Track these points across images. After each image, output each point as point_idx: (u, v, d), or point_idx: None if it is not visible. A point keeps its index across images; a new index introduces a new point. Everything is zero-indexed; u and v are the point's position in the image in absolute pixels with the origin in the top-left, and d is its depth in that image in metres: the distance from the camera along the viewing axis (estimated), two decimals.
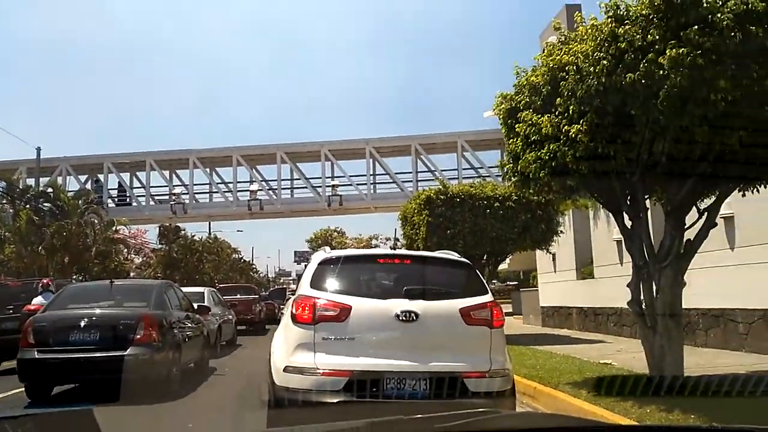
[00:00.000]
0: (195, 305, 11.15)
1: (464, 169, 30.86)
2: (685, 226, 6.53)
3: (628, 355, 9.96)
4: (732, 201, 9.99)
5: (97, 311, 8.53)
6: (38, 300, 10.93)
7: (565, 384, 7.36)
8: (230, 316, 16.75)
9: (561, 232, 15.38)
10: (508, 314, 25.54)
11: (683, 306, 11.35)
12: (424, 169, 31.58)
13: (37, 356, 7.88)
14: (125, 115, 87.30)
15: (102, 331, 8.03)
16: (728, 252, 10.61)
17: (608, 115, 5.66)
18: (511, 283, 41.00)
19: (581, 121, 5.86)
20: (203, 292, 15.78)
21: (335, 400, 4.69)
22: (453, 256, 6.06)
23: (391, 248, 7.83)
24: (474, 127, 30.97)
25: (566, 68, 6.03)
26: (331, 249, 6.29)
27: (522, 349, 11.46)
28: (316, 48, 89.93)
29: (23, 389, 8.23)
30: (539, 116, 6.48)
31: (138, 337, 7.99)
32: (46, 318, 8.45)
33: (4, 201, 29.13)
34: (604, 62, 5.43)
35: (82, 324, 8.07)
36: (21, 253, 27.25)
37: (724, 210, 10.36)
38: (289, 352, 5.00)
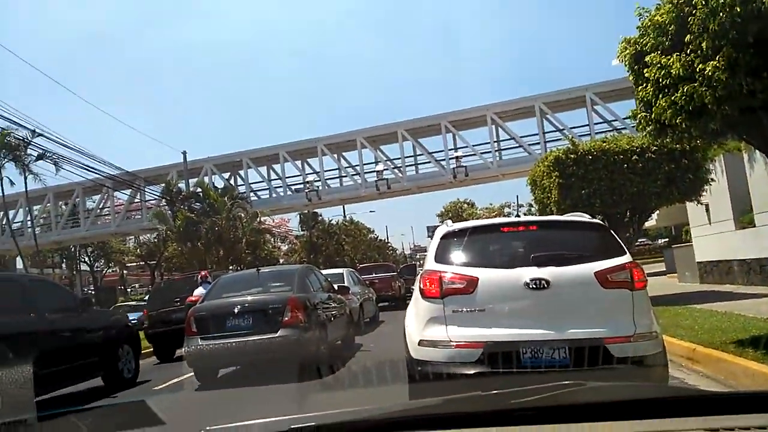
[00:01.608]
0: (335, 286, 11.60)
1: (596, 123, 29.19)
2: None
3: None
4: None
5: (248, 298, 9.10)
6: (198, 291, 11.94)
7: (729, 343, 6.79)
8: (370, 295, 17.32)
9: (712, 180, 14.07)
10: (661, 274, 24.15)
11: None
12: (552, 129, 30.31)
13: (200, 343, 8.58)
14: (254, 113, 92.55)
15: (254, 316, 8.60)
16: None
17: (748, 47, 5.06)
18: (662, 240, 38.38)
19: (717, 57, 5.31)
20: (342, 273, 16.50)
21: (471, 372, 4.65)
22: (583, 217, 5.77)
23: (516, 216, 7.58)
24: (603, 78, 28.96)
25: (693, 2, 5.48)
26: (462, 221, 6.19)
27: (678, 309, 10.73)
28: (425, 21, 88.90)
29: (193, 374, 9.11)
30: (669, 58, 5.96)
31: (286, 319, 8.47)
32: (205, 308, 9.11)
33: (164, 204, 32.27)
34: None
35: (236, 311, 8.68)
36: (182, 249, 30.15)
37: None
38: (421, 326, 5.01)
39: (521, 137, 30.99)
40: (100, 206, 38.46)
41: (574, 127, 28.92)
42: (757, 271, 14.71)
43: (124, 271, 61.84)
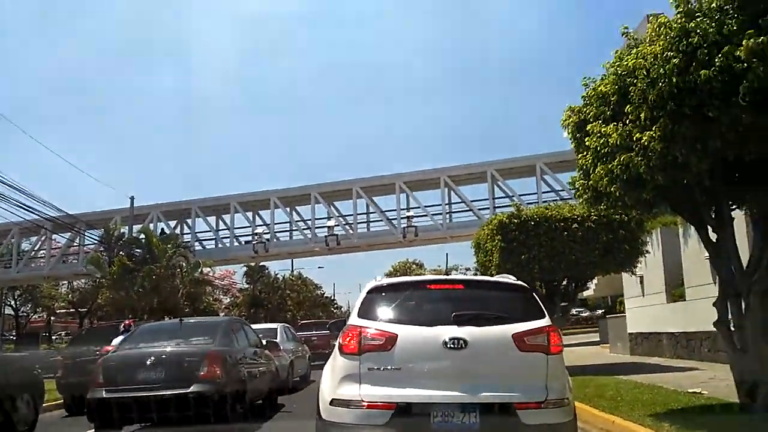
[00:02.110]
0: (264, 341, 11.16)
1: (544, 192, 30.01)
2: None
3: (721, 382, 8.98)
4: None
5: (164, 349, 8.48)
6: (117, 341, 11.20)
7: (647, 416, 6.74)
8: (304, 352, 16.80)
9: (647, 252, 14.39)
10: (595, 343, 24.44)
11: None
12: (502, 195, 30.97)
13: (105, 395, 7.81)
14: (206, 162, 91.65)
15: (168, 368, 7.95)
16: None
17: (685, 119, 5.17)
18: (600, 311, 39.04)
19: (654, 128, 5.41)
20: (276, 329, 15.94)
21: None
22: (509, 279, 5.75)
23: (445, 274, 7.56)
24: (553, 149, 30.01)
25: (635, 73, 5.62)
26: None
27: (605, 379, 10.73)
28: (389, 85, 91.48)
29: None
30: (608, 127, 6.08)
31: (202, 373, 7.90)
32: (116, 357, 8.48)
33: (101, 249, 31.03)
34: (675, 61, 5.00)
35: (149, 362, 8.01)
36: (114, 297, 28.79)
37: None
38: (335, 384, 4.84)
39: (472, 201, 31.54)
40: (35, 248, 36.80)
41: (523, 195, 29.64)
42: (684, 345, 14.94)
43: (52, 318, 58.71)
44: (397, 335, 4.78)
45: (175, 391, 7.70)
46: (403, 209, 31.91)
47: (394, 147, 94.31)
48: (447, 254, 51.55)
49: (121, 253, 29.07)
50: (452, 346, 4.65)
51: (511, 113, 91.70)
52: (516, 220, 13.07)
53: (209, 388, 7.84)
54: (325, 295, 67.65)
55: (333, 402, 4.75)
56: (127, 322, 13.23)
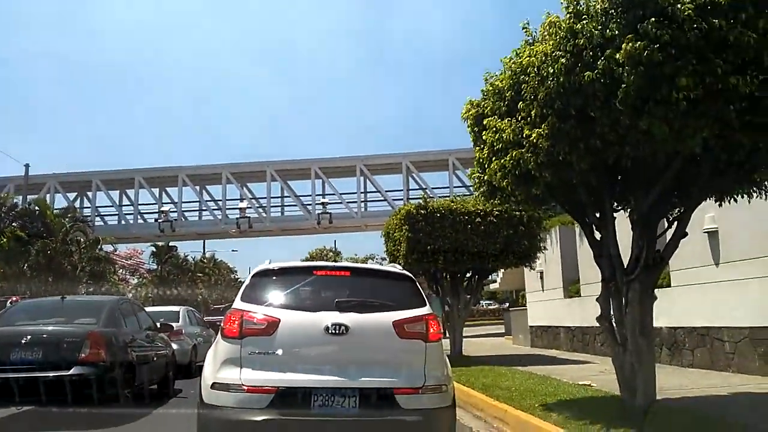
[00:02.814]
0: (158, 324, 10.63)
1: (456, 186, 30.68)
2: (655, 237, 6.14)
3: (611, 375, 9.38)
4: (716, 214, 9.72)
5: (43, 327, 7.94)
6: None
7: (538, 406, 6.99)
8: (209, 336, 16.25)
9: (544, 248, 14.99)
10: (500, 335, 25.36)
11: (670, 324, 11.21)
12: (416, 187, 31.34)
13: None
14: (115, 132, 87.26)
15: (45, 349, 7.42)
16: (713, 268, 10.22)
17: (570, 118, 5.30)
18: (506, 304, 40.51)
19: (542, 125, 5.52)
20: (178, 311, 15.24)
21: (260, 419, 4.51)
22: (395, 268, 5.87)
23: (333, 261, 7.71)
24: (467, 145, 30.52)
25: (527, 70, 5.71)
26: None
27: (503, 370, 11.12)
28: (310, 67, 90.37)
29: None
30: (502, 122, 6.16)
31: (83, 355, 7.40)
32: None
33: None
34: (563, 60, 5.10)
35: (24, 341, 7.47)
36: (5, 272, 26.85)
37: (708, 224, 10.09)
38: (216, 368, 4.83)
39: (387, 191, 31.73)
40: None
41: (436, 188, 30.16)
42: (580, 339, 15.72)
43: None
44: (279, 320, 4.82)
45: (53, 372, 7.21)
46: (319, 195, 31.67)
47: (310, 132, 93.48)
48: (335, 241, 52.23)
49: (13, 224, 27.12)
50: (334, 332, 4.74)
51: (429, 106, 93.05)
52: (423, 211, 13.22)
53: (91, 371, 7.36)
54: (239, 279, 66.19)
55: (214, 386, 4.73)
56: (14, 298, 12.34)
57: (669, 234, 6.28)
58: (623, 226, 6.51)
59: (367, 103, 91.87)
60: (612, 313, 6.45)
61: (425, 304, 5.25)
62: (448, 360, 5.46)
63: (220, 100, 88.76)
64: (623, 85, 4.68)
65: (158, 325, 10.55)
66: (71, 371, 7.29)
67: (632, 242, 6.21)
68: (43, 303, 10.65)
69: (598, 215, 6.49)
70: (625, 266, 6.24)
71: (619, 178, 6.25)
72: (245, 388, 4.61)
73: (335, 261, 63.20)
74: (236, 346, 4.78)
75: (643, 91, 4.64)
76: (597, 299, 6.63)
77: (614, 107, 4.87)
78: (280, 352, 4.74)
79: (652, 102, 4.68)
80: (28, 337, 7.58)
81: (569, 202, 6.73)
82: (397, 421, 4.65)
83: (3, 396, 7.27)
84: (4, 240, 26.30)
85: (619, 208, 6.73)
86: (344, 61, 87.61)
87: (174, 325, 13.79)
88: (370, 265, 9.05)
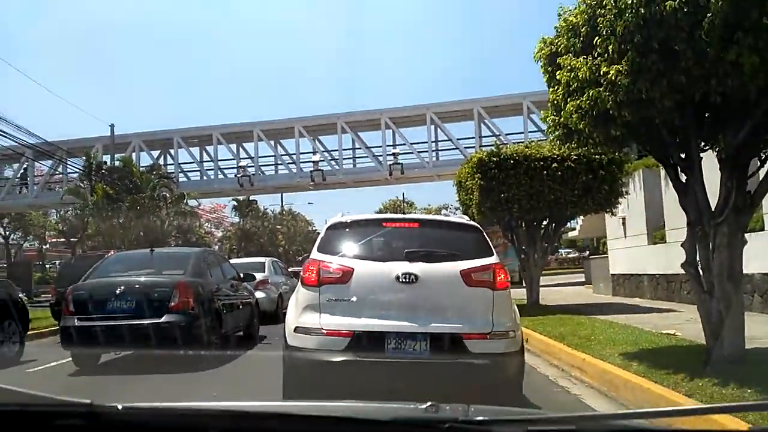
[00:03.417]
0: (241, 274, 11.11)
1: (531, 132, 29.64)
2: (746, 177, 5.71)
3: (697, 324, 8.93)
4: None
5: (134, 278, 8.49)
6: None
7: (618, 355, 6.84)
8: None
9: (627, 193, 14.32)
10: (580, 284, 24.80)
11: (764, 270, 10.55)
12: (488, 134, 30.61)
13: (77, 324, 7.96)
14: (192, 91, 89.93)
15: (138, 299, 7.98)
16: None
17: (651, 53, 4.95)
18: (586, 252, 39.55)
19: (621, 61, 5.19)
20: (264, 262, 16.15)
21: (338, 359, 4.86)
22: (462, 219, 6.22)
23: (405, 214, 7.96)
24: (543, 87, 29.32)
25: (604, 2, 5.35)
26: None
27: (582, 318, 10.89)
28: (378, 17, 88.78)
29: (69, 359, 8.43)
30: (578, 60, 5.83)
31: (173, 304, 7.94)
32: (86, 286, 8.47)
33: (83, 178, 30.68)
34: None
35: (118, 291, 8.05)
36: (99, 227, 28.69)
37: None
38: (298, 313, 5.19)
39: (458, 139, 31.18)
40: (18, 176, 36.31)
41: (510, 134, 29.34)
42: (664, 287, 15.13)
43: (44, 247, 58.78)
44: (353, 269, 5.13)
45: (146, 320, 7.80)
46: (389, 146, 31.55)
47: (381, 82, 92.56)
48: (403, 193, 53.00)
49: (102, 182, 28.76)
50: (404, 280, 5.00)
51: (500, 50, 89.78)
52: (495, 159, 12.89)
53: (181, 318, 7.92)
54: (316, 231, 67.92)
55: (296, 329, 5.12)
56: (112, 252, 13.27)
57: (761, 174, 5.82)
58: (710, 166, 6.11)
59: (436, 49, 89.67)
60: (698, 258, 6.12)
61: (492, 254, 5.43)
62: (516, 308, 5.63)
63: (290, 54, 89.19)
64: (709, 14, 4.29)
65: (242, 275, 11.04)
66: (162, 319, 7.88)
67: (720, 183, 5.82)
68: (134, 255, 11.41)
69: (683, 156, 6.10)
70: (713, 209, 5.87)
71: (706, 115, 5.82)
72: (324, 331, 4.96)
73: (408, 212, 63.63)
74: (315, 293, 5.12)
75: (730, 18, 4.24)
76: (682, 244, 6.30)
77: (699, 38, 4.50)
78: (354, 299, 5.05)
79: (741, 31, 4.28)
80: (122, 287, 8.16)
81: (651, 142, 6.35)
82: (466, 364, 4.89)
83: (102, 342, 7.92)
84: (96, 197, 27.98)
85: (706, 147, 6.29)
86: (411, 5, 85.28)
87: (260, 275, 14.66)
88: (437, 216, 9.18)
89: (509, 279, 5.48)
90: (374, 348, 4.89)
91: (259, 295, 13.91)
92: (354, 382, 4.95)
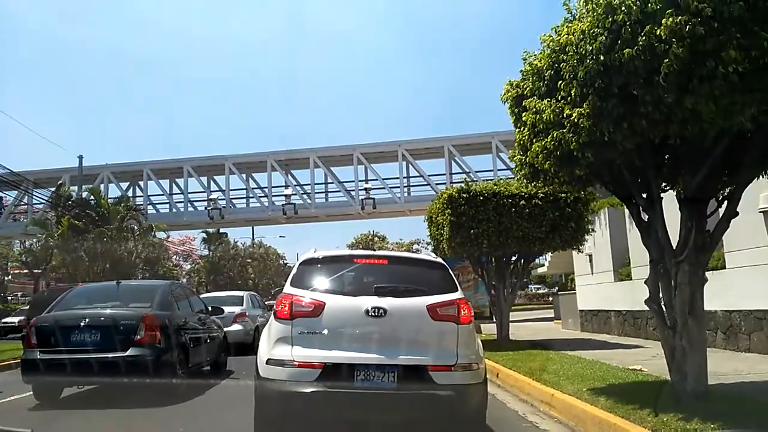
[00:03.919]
0: (209, 307, 11.01)
1: (500, 169, 30.24)
2: (705, 217, 5.93)
3: (663, 360, 9.16)
4: None
5: (99, 311, 8.37)
6: None
7: (586, 391, 6.90)
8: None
9: (593, 230, 14.66)
10: (549, 319, 25.02)
11: (725, 307, 10.83)
12: (459, 171, 31.09)
13: (39, 356, 7.79)
14: (163, 123, 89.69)
15: (102, 332, 7.88)
16: None
17: (612, 97, 5.15)
18: (556, 288, 39.97)
19: (583, 105, 5.39)
20: (242, 296, 16.71)
21: (309, 390, 5.01)
22: (429, 256, 6.51)
23: (372, 250, 8.30)
24: (511, 127, 30.05)
25: (566, 49, 5.58)
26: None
27: (551, 354, 11.01)
28: (351, 52, 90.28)
29: (31, 392, 8.21)
30: (542, 103, 6.04)
31: (138, 337, 7.84)
32: (49, 318, 8.32)
33: (48, 209, 30.10)
34: (602, 38, 4.95)
35: (83, 324, 7.93)
36: (64, 259, 28.04)
37: (763, 204, 9.67)
38: (270, 345, 5.32)
39: (429, 176, 31.57)
40: None
41: (480, 171, 29.87)
42: (631, 323, 15.38)
43: (5, 278, 57.05)
44: (324, 303, 5.32)
45: (110, 354, 7.70)
46: (362, 181, 31.79)
47: (353, 117, 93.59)
48: (371, 231, 54.07)
49: (68, 213, 28.24)
50: (373, 314, 5.21)
51: (471, 88, 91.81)
52: (465, 195, 13.11)
53: (147, 352, 7.82)
54: (287, 264, 67.25)
55: (269, 361, 5.25)
56: (79, 284, 13.10)
57: (720, 213, 6.06)
58: (671, 206, 6.33)
59: (407, 87, 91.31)
60: (661, 295, 6.29)
61: (457, 290, 5.70)
62: (480, 341, 5.89)
63: (261, 89, 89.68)
64: (666, 61, 4.52)
65: (210, 308, 10.97)
66: (128, 352, 7.75)
67: (680, 223, 6.03)
68: (100, 287, 11.12)
69: (644, 195, 6.31)
70: (674, 247, 6.06)
71: (666, 157, 6.06)
72: (296, 363, 5.12)
73: (380, 246, 63.62)
74: (287, 327, 5.28)
75: (687, 66, 4.47)
76: (645, 281, 6.47)
77: (657, 84, 4.71)
78: (325, 332, 5.22)
79: (697, 80, 4.51)
80: (86, 320, 8.03)
81: (614, 182, 6.56)
82: (432, 395, 5.07)
83: (65, 375, 7.73)
84: (62, 229, 27.43)
85: (666, 188, 6.53)
86: (383, 45, 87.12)
87: (238, 308, 15.06)
88: (405, 253, 9.87)
89: (473, 314, 5.66)
90: (344, 379, 5.05)
91: (236, 327, 14.23)
92: (323, 412, 5.17)
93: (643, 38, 4.64)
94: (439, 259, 6.28)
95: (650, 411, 5.59)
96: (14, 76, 79.44)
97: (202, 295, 14.73)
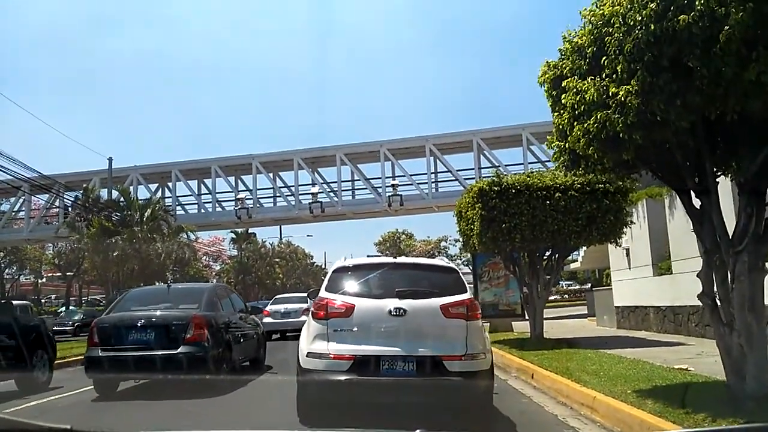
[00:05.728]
0: (249, 307, 12.04)
1: (531, 162, 29.55)
2: (766, 203, 5.41)
3: (710, 358, 8.64)
4: None
5: (153, 312, 9.19)
6: None
7: (630, 393, 6.44)
8: None
9: (632, 223, 13.99)
10: (582, 316, 24.32)
11: None
12: (488, 165, 30.47)
13: (100, 354, 8.67)
14: (191, 124, 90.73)
15: (156, 331, 8.78)
16: None
17: (663, 71, 4.70)
18: (589, 284, 39.09)
19: (631, 81, 4.94)
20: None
21: (343, 378, 5.94)
22: (442, 262, 7.84)
23: (393, 257, 9.03)
24: (542, 118, 29.41)
25: (611, 21, 5.13)
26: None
27: (588, 353, 10.46)
28: (376, 48, 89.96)
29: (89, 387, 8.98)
30: (584, 82, 5.58)
31: (188, 336, 8.68)
32: (109, 319, 9.31)
33: (81, 211, 30.43)
34: (652, 5, 4.50)
35: (139, 324, 8.82)
36: (95, 261, 28.29)
37: None
38: (310, 341, 6.24)
39: (458, 170, 31.04)
40: (14, 209, 36.09)
41: (509, 165, 29.19)
42: (671, 319, 14.72)
43: (39, 281, 58.23)
44: (354, 305, 6.28)
45: (163, 351, 8.56)
46: (389, 177, 31.41)
47: (379, 113, 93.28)
48: (397, 229, 55.08)
49: (99, 215, 28.49)
50: (395, 313, 6.16)
51: (499, 81, 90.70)
52: (496, 188, 12.56)
53: (196, 349, 8.65)
54: (315, 264, 67.15)
55: (309, 354, 6.17)
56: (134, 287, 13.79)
57: None
58: (723, 192, 5.83)
59: (435, 81, 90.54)
60: (715, 289, 5.79)
61: (466, 291, 6.68)
62: (487, 334, 7.01)
63: (284, 88, 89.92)
64: (726, 28, 4.05)
65: (250, 308, 12.06)
66: (179, 349, 8.62)
67: (738, 209, 5.52)
68: (152, 291, 12.64)
69: (697, 180, 5.81)
70: (731, 237, 5.56)
71: (721, 137, 5.56)
72: (331, 355, 6.05)
73: (408, 244, 63.17)
74: (324, 325, 6.22)
75: (749, 33, 3.99)
76: (697, 275, 5.97)
77: (714, 56, 4.24)
78: (355, 329, 6.17)
79: (762, 46, 4.03)
80: (142, 320, 8.91)
81: (664, 167, 6.07)
82: (445, 381, 5.96)
83: (123, 370, 8.71)
84: (92, 230, 27.67)
85: (719, 173, 6.01)
86: (410, 39, 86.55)
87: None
88: (422, 260, 11.43)
89: (480, 311, 6.67)
90: (371, 369, 5.97)
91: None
92: (354, 397, 6.12)
93: (701, 3, 4.17)
94: (451, 264, 7.45)
95: (706, 415, 5.13)
96: (44, 82, 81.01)
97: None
